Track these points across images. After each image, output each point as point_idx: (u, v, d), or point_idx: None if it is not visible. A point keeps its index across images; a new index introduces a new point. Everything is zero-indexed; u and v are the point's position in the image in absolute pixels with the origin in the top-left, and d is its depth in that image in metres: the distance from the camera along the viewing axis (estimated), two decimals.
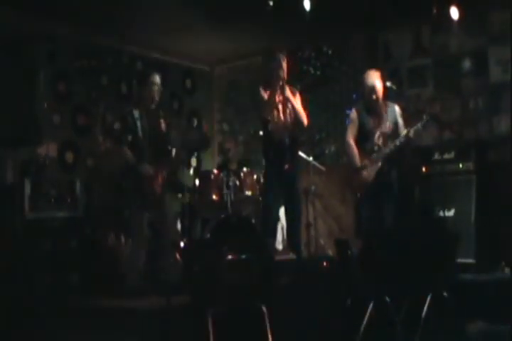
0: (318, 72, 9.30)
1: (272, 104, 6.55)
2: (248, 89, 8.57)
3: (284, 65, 6.61)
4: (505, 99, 7.55)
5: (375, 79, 6.67)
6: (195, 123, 10.00)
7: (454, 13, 7.32)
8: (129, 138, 6.09)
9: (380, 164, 6.57)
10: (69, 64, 8.26)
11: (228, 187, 7.25)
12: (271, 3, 6.71)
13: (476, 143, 7.48)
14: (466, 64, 8.05)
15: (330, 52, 9.20)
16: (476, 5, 7.60)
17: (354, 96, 8.96)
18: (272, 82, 6.62)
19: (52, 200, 7.22)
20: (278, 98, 6.59)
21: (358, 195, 6.84)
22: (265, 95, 6.61)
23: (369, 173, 6.59)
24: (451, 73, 8.16)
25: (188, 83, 10.01)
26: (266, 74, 6.71)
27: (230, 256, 5.51)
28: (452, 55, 8.16)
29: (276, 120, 6.58)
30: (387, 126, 6.62)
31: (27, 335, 5.17)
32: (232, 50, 9.18)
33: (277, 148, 6.55)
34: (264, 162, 6.81)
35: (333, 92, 9.16)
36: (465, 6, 7.30)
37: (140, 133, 6.11)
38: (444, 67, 8.24)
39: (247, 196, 7.27)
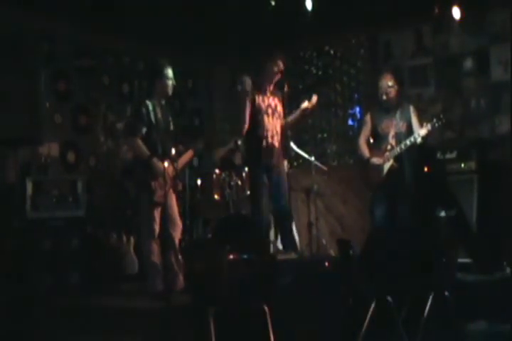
0: (320, 72, 9.31)
1: (260, 108, 6.58)
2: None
3: (281, 67, 6.62)
4: (507, 98, 7.55)
5: (388, 81, 6.76)
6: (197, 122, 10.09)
7: (456, 12, 7.32)
8: (143, 130, 5.95)
9: (391, 162, 6.69)
10: (70, 63, 8.26)
11: (230, 187, 7.26)
12: (273, 3, 6.71)
13: (477, 142, 7.47)
14: (468, 63, 8.05)
15: (332, 52, 9.21)
16: (477, 4, 7.59)
17: (356, 96, 8.99)
18: (263, 85, 6.66)
19: (54, 200, 7.22)
20: (267, 101, 6.62)
21: (371, 193, 6.98)
22: (257, 98, 6.62)
23: (381, 171, 6.75)
24: (452, 73, 8.16)
25: (190, 82, 10.02)
26: (261, 76, 6.69)
27: (231, 256, 5.51)
28: (453, 54, 8.16)
29: (266, 124, 6.58)
30: (400, 125, 6.70)
31: (27, 335, 5.18)
32: (234, 49, 9.17)
33: (266, 150, 6.56)
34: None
35: (335, 92, 9.17)
36: (466, 5, 7.30)
37: (153, 126, 5.98)
38: (445, 67, 8.24)
39: (249, 196, 7.27)
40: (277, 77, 6.58)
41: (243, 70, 9.05)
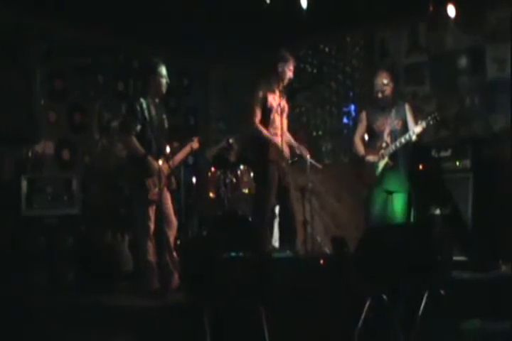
0: (315, 70, 9.30)
1: (272, 107, 6.68)
2: (246, 88, 8.57)
3: (292, 68, 6.68)
4: (502, 96, 7.54)
5: (383, 79, 6.77)
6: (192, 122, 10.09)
7: (451, 10, 7.31)
8: (138, 127, 5.91)
9: (386, 160, 6.71)
10: (65, 62, 8.24)
11: (225, 184, 7.26)
12: (268, 1, 6.71)
13: (472, 140, 7.47)
14: (463, 61, 8.05)
15: (327, 50, 9.20)
16: (472, 2, 7.59)
17: (351, 93, 8.99)
18: (274, 85, 6.71)
19: (49, 198, 7.21)
20: (277, 101, 6.67)
21: (366, 191, 6.99)
22: (269, 97, 6.67)
23: (376, 169, 6.77)
24: (447, 71, 8.16)
25: (185, 81, 10.01)
26: (272, 75, 6.74)
27: (226, 254, 5.50)
28: (449, 52, 8.16)
29: (276, 122, 6.64)
30: (396, 123, 6.71)
31: (26, 335, 5.17)
32: (230, 49, 9.15)
33: (273, 149, 6.60)
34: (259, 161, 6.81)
35: (330, 90, 9.16)
36: (461, 3, 7.29)
37: (148, 123, 5.94)
38: (440, 65, 8.24)
39: (244, 193, 7.28)
40: (288, 78, 6.65)
41: (244, 70, 9.14)
